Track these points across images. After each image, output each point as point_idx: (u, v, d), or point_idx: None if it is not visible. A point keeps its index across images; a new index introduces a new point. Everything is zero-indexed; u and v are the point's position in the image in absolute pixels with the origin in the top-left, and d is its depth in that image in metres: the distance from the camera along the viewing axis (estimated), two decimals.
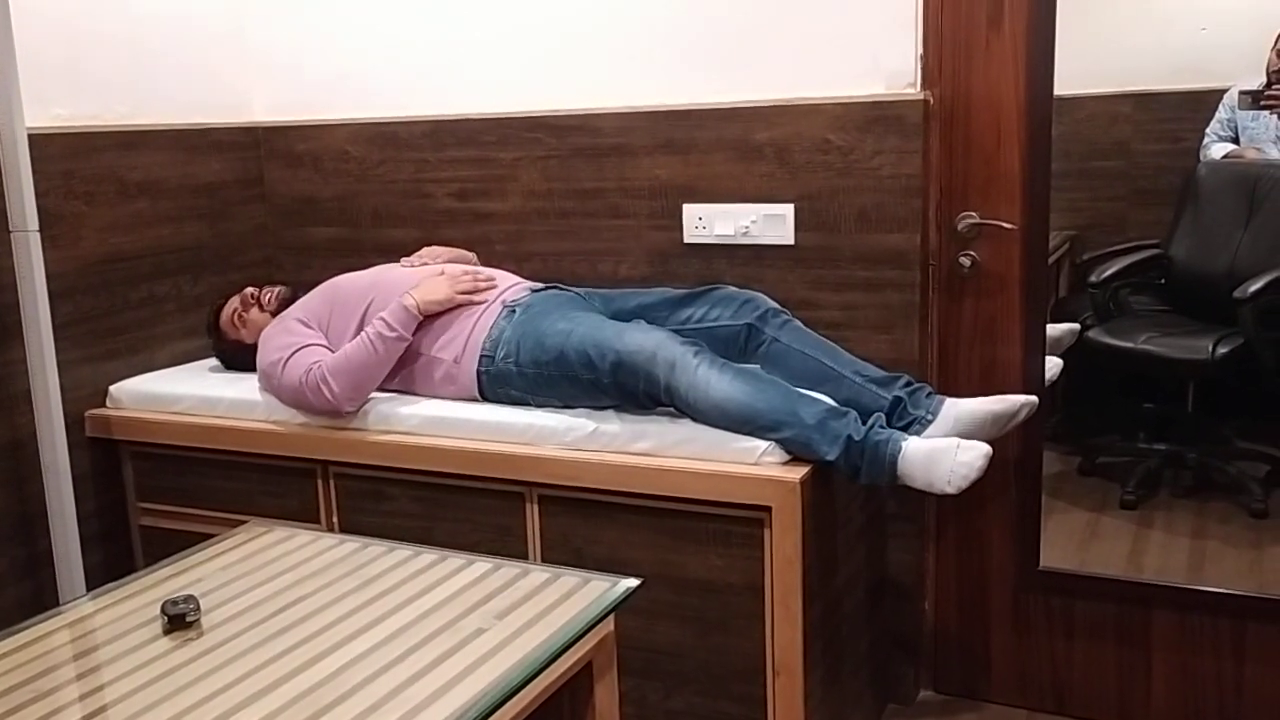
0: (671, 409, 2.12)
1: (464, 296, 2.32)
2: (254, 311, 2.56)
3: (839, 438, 1.97)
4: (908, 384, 2.17)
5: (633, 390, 2.10)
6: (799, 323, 2.29)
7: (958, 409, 2.11)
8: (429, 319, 2.30)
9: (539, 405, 2.21)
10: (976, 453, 1.96)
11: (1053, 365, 2.44)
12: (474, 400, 2.26)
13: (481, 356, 2.24)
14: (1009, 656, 2.52)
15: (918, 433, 2.08)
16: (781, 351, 2.22)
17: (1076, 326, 2.51)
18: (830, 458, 1.97)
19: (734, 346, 2.26)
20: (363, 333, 2.28)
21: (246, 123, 2.90)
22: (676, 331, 2.21)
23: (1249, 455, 3.11)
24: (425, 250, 2.58)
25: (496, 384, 2.23)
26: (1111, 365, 3.22)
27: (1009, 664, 2.52)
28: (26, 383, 2.28)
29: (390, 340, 2.24)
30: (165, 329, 2.68)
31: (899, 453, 1.97)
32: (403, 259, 2.55)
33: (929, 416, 2.10)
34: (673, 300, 2.34)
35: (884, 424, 2.04)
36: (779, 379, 2.11)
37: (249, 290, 2.59)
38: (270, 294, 2.56)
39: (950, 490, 1.95)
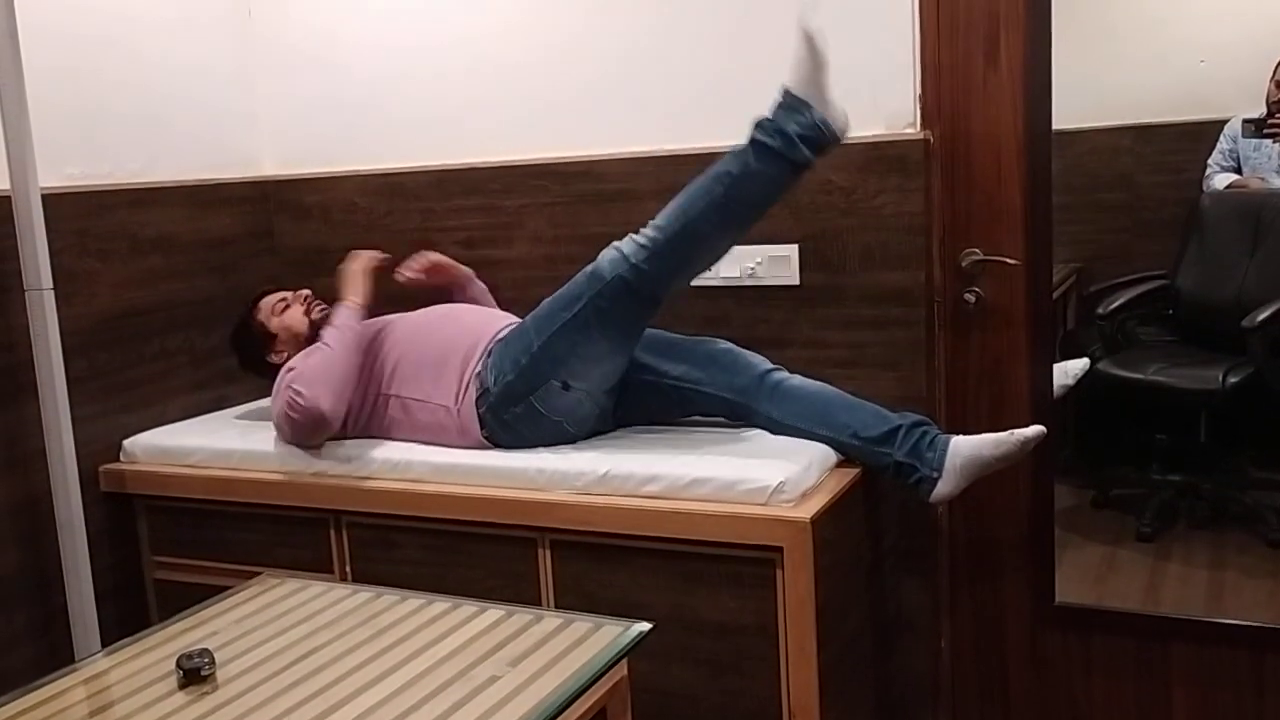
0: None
1: (372, 259, 2.48)
2: (296, 310, 2.56)
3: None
4: (907, 434, 2.11)
5: (623, 300, 2.15)
6: (790, 381, 2.24)
7: (961, 458, 2.08)
8: (421, 369, 2.32)
9: (543, 406, 2.19)
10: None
11: (1074, 370, 2.41)
12: (478, 445, 2.26)
13: (479, 395, 2.25)
14: (1027, 694, 2.49)
15: (926, 492, 2.10)
16: (772, 428, 2.22)
17: (1086, 362, 2.49)
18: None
19: (713, 408, 2.27)
20: (319, 340, 2.36)
21: (256, 177, 2.94)
22: (654, 383, 2.27)
23: (1264, 485, 3.09)
24: (419, 255, 2.58)
25: (500, 410, 2.22)
26: (1122, 397, 3.22)
27: (1028, 701, 2.50)
28: (41, 440, 2.30)
29: (338, 332, 2.33)
30: (178, 382, 2.70)
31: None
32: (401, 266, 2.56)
33: (934, 474, 2.08)
34: (660, 345, 2.31)
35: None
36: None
37: (306, 291, 2.61)
38: (321, 305, 2.58)
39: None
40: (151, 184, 2.65)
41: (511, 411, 2.22)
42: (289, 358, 2.52)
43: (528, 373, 2.20)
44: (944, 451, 2.09)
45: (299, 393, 2.26)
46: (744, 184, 2.07)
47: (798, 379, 2.25)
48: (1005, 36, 2.28)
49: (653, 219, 2.15)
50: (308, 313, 2.55)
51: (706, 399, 2.25)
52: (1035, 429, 2.09)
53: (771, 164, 2.06)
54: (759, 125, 2.07)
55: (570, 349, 2.19)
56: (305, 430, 2.30)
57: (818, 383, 2.24)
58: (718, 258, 2.21)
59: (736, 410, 2.24)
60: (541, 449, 2.22)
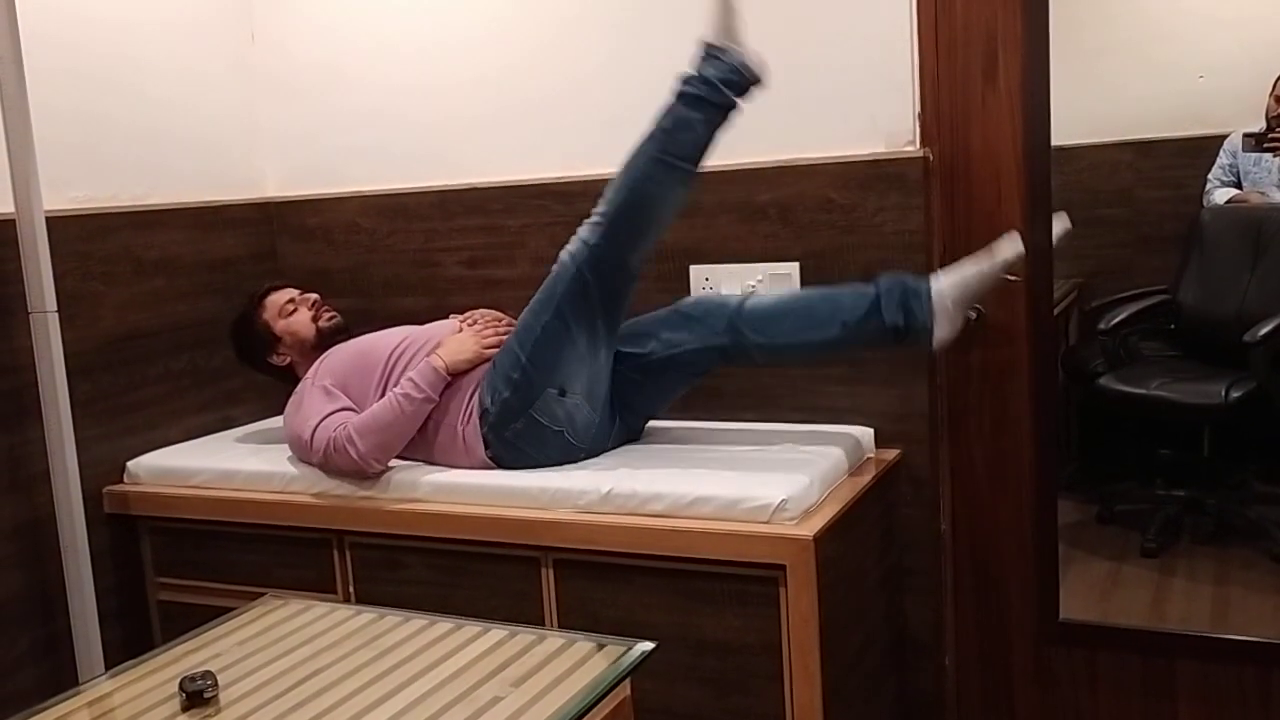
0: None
1: (491, 351, 2.33)
2: (304, 315, 2.55)
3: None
4: (888, 297, 2.14)
5: (595, 283, 2.17)
6: (762, 303, 2.24)
7: (950, 299, 2.12)
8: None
9: (543, 417, 2.19)
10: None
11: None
12: (483, 465, 2.26)
13: (480, 416, 2.25)
14: (1033, 711, 2.48)
15: (927, 342, 2.15)
16: (770, 357, 2.25)
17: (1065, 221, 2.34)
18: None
19: (710, 362, 2.27)
20: (390, 392, 2.28)
21: (259, 198, 2.95)
22: (645, 367, 2.27)
23: (1268, 499, 3.09)
24: (479, 312, 2.54)
25: (501, 429, 2.22)
26: (1125, 412, 3.22)
27: (1033, 718, 2.49)
28: (45, 462, 2.30)
29: (417, 401, 2.25)
30: (182, 403, 2.71)
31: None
32: (453, 315, 2.54)
33: (928, 323, 2.12)
34: (633, 333, 2.31)
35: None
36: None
37: (315, 296, 2.59)
38: (330, 314, 2.57)
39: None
40: (155, 206, 2.66)
41: (512, 428, 2.22)
42: (292, 362, 2.54)
43: (521, 387, 2.20)
44: (928, 298, 2.12)
45: (357, 446, 2.24)
46: (677, 135, 2.13)
47: (768, 298, 2.27)
48: (1003, 54, 2.29)
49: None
50: (315, 319, 2.56)
51: (698, 355, 2.24)
52: (1014, 245, 2.16)
53: (700, 110, 2.12)
54: (684, 80, 2.13)
55: (557, 353, 2.20)
56: (341, 471, 2.30)
57: (788, 291, 2.31)
58: (669, 215, 2.23)
59: (729, 354, 2.24)
60: (544, 468, 2.22)
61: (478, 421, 2.25)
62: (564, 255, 2.22)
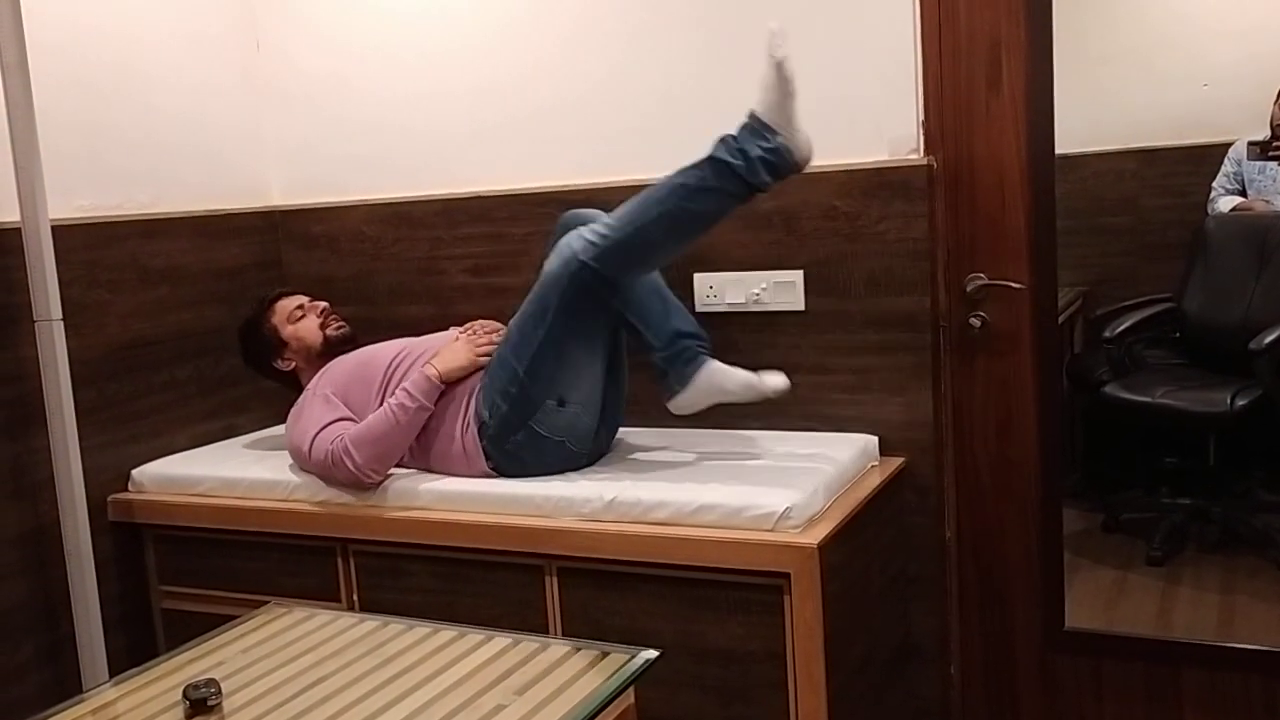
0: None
1: (485, 359, 2.33)
2: (311, 322, 2.55)
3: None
4: (673, 342, 2.24)
5: (584, 297, 2.16)
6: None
7: (705, 380, 2.22)
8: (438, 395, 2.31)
9: (543, 428, 2.20)
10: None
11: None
12: (484, 475, 2.26)
13: (479, 429, 2.25)
14: (1038, 719, 2.48)
15: (668, 398, 2.27)
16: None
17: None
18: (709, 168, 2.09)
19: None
20: (385, 403, 2.28)
21: (264, 207, 2.96)
22: None
23: (1274, 508, 3.08)
24: (477, 323, 2.53)
25: (501, 441, 2.23)
26: (1130, 420, 3.21)
27: None
28: (50, 470, 2.31)
29: (412, 411, 2.25)
30: (187, 411, 2.71)
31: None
32: (453, 328, 2.54)
33: (677, 387, 2.24)
34: None
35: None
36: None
37: (324, 304, 2.60)
38: (338, 323, 2.57)
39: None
40: (160, 215, 2.67)
41: (513, 440, 2.22)
42: (297, 368, 2.55)
43: (520, 400, 2.20)
44: (695, 371, 2.22)
45: (354, 458, 2.24)
46: (698, 198, 2.09)
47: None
48: (1007, 61, 2.29)
49: (605, 217, 2.19)
50: (323, 326, 2.56)
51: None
52: (781, 382, 2.20)
53: (728, 182, 2.06)
54: (723, 142, 2.07)
55: (556, 364, 2.19)
56: (340, 484, 2.30)
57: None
58: (664, 262, 2.27)
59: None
60: (547, 477, 2.22)
61: (476, 432, 2.25)
62: (556, 263, 2.18)
